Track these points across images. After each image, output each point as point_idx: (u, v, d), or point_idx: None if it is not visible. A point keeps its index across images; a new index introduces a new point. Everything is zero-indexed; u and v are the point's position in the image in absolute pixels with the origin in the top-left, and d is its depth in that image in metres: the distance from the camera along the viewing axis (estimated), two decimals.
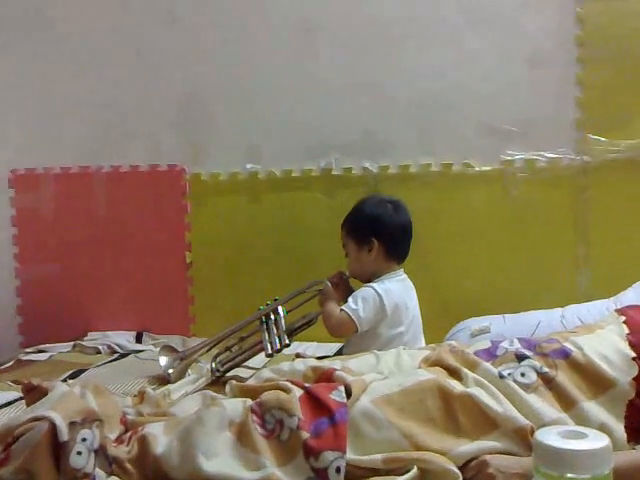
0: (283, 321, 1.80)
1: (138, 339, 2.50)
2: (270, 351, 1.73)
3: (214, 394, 1.41)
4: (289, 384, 1.25)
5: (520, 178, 2.32)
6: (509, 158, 2.33)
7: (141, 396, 1.53)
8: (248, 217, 2.51)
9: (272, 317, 1.81)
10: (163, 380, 1.89)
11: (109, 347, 2.36)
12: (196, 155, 2.55)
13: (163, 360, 1.94)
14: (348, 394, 1.21)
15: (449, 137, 2.36)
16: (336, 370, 1.32)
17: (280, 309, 1.83)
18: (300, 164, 2.47)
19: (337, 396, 1.20)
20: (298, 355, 1.82)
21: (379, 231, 1.82)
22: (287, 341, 1.74)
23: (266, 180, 2.50)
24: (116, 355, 2.31)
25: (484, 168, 2.34)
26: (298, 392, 1.22)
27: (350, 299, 1.78)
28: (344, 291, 1.87)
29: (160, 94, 2.56)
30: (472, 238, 2.35)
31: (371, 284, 1.80)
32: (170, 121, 2.56)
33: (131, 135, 2.58)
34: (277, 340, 1.74)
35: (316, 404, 1.19)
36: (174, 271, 2.57)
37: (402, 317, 1.79)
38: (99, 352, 2.34)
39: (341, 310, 1.76)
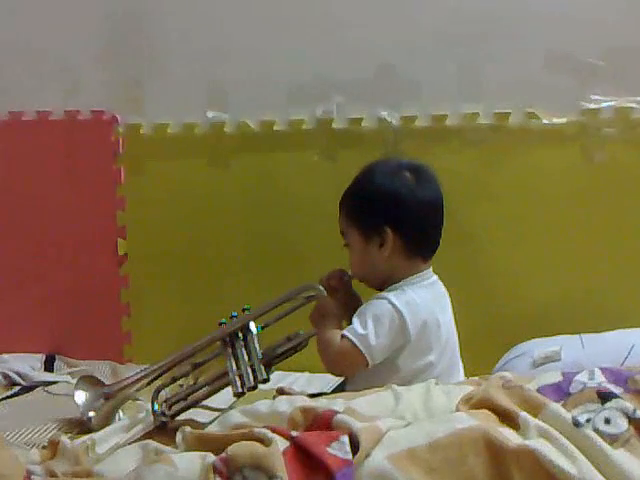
0: (257, 343, 1.79)
1: (48, 366, 2.51)
2: (240, 389, 1.73)
3: (159, 446, 1.42)
4: (269, 432, 1.25)
5: (608, 135, 2.34)
6: (593, 106, 2.35)
7: (53, 448, 1.54)
8: (209, 189, 2.52)
9: (240, 336, 1.80)
10: (84, 425, 1.90)
11: (6, 377, 2.37)
12: (133, 98, 2.55)
13: (80, 397, 1.94)
14: (354, 447, 1.22)
15: (504, 75, 2.37)
16: (337, 413, 1.32)
17: (252, 325, 1.81)
18: (285, 112, 2.47)
19: (338, 450, 1.21)
20: (281, 391, 1.83)
21: (394, 215, 1.79)
22: (265, 375, 1.73)
23: (236, 135, 2.50)
24: (16, 389, 2.31)
25: (556, 120, 2.36)
26: (282, 444, 1.22)
27: (355, 319, 1.77)
28: (346, 299, 1.87)
29: (80, 9, 2.55)
30: (537, 223, 2.37)
31: (386, 294, 1.79)
32: (95, 49, 2.56)
33: (38, 68, 2.58)
34: (249, 372, 1.73)
35: (308, 461, 1.19)
36: (101, 267, 2.58)
37: (432, 340, 1.78)
38: None
39: (343, 336, 1.75)
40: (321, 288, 1.82)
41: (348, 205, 1.86)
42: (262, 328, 1.83)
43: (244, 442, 1.24)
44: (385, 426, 1.28)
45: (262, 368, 1.74)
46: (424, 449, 1.23)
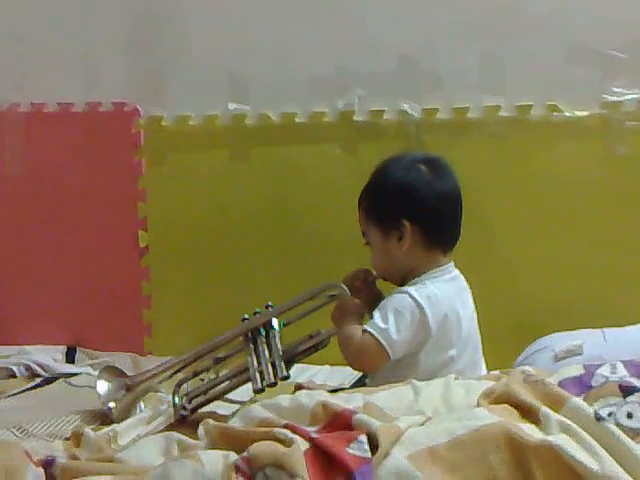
0: (279, 340, 1.80)
1: (69, 357, 2.53)
2: (260, 385, 1.75)
3: (183, 438, 1.43)
4: (289, 433, 1.25)
5: (631, 128, 2.32)
6: (615, 99, 2.33)
7: (76, 439, 1.56)
8: (230, 181, 2.52)
9: (263, 332, 1.82)
10: (106, 417, 1.92)
11: (28, 368, 2.39)
12: (154, 90, 2.56)
13: (102, 387, 1.96)
14: (373, 446, 1.22)
15: (526, 68, 2.36)
16: (355, 413, 1.31)
17: (275, 322, 1.83)
18: (307, 105, 2.47)
19: (357, 449, 1.20)
20: (299, 387, 1.84)
21: (411, 208, 1.79)
22: (285, 372, 1.75)
23: (257, 128, 2.50)
24: (38, 380, 2.34)
25: (578, 113, 2.34)
26: (303, 445, 1.22)
27: (376, 313, 1.76)
28: (370, 299, 1.86)
29: (102, 1, 2.56)
30: (559, 216, 2.36)
31: (407, 288, 1.78)
32: (116, 41, 2.57)
33: (59, 60, 2.59)
34: (270, 368, 1.75)
35: (327, 461, 1.20)
36: (122, 259, 2.59)
37: (453, 335, 1.78)
38: (13, 375, 2.38)
39: (364, 331, 1.74)
40: (344, 287, 1.82)
41: (366, 203, 1.86)
42: (284, 325, 1.84)
43: (266, 442, 1.24)
44: (404, 424, 1.28)
45: (283, 365, 1.75)
46: (444, 447, 1.22)
